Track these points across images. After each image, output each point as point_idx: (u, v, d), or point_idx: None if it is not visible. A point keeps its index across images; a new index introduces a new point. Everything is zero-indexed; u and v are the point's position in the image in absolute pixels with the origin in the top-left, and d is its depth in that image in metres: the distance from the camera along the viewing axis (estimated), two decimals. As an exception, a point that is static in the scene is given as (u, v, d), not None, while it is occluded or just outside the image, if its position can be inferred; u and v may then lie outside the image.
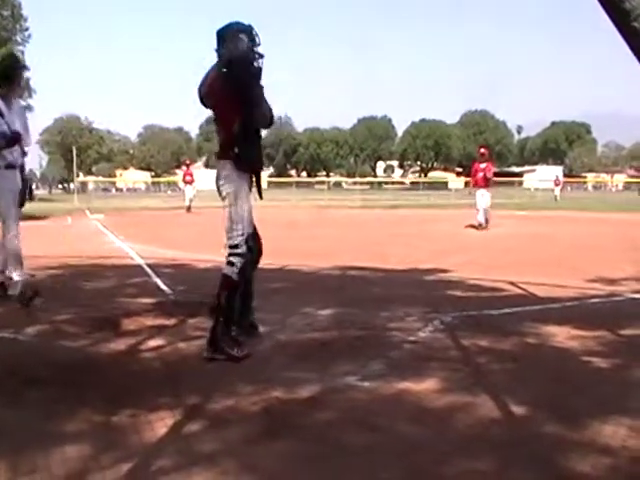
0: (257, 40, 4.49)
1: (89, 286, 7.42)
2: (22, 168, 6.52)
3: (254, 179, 4.65)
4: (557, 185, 45.32)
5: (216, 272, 7.66)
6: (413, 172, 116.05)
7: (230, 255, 4.44)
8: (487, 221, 16.95)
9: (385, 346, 4.62)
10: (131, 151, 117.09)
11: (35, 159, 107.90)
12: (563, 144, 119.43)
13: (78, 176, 60.35)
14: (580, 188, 77.38)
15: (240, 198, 4.48)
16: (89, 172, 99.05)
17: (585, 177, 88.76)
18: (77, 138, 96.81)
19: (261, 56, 4.51)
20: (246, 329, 4.66)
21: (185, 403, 3.44)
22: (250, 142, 4.56)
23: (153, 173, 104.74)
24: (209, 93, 4.57)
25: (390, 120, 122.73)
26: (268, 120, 4.68)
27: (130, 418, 3.21)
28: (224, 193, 4.50)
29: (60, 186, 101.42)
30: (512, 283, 7.37)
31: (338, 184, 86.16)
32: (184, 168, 31.09)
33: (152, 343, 4.72)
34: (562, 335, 4.91)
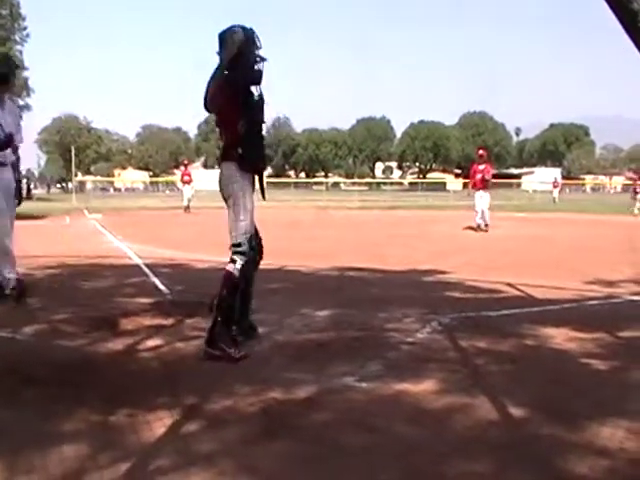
0: (258, 43, 4.52)
1: (87, 286, 7.41)
2: (15, 166, 6.51)
3: (257, 179, 4.68)
4: (555, 187, 45.36)
5: (214, 272, 7.68)
6: (412, 173, 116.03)
7: (233, 253, 4.47)
8: (487, 225, 16.90)
9: (383, 347, 4.62)
10: (129, 151, 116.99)
11: (33, 158, 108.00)
12: (561, 146, 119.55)
13: (76, 176, 60.21)
14: (578, 190, 77.34)
15: (244, 198, 4.50)
16: (87, 172, 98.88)
17: (583, 179, 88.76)
18: (75, 138, 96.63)
19: (263, 59, 4.54)
20: (245, 330, 4.66)
21: (183, 403, 3.44)
22: (254, 142, 4.59)
23: (151, 173, 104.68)
24: (212, 98, 4.57)
25: (389, 121, 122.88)
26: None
27: (128, 418, 3.21)
28: (228, 193, 4.52)
29: (58, 186, 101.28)
30: (510, 285, 7.38)
31: (336, 185, 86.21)
32: (182, 168, 31.06)
33: (150, 343, 4.71)
34: (560, 337, 4.91)
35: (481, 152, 19.22)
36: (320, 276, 8.40)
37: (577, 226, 19.44)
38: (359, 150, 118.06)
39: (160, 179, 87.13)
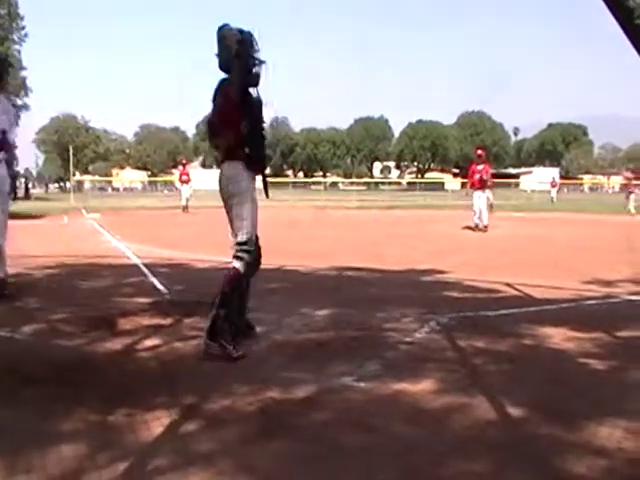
0: (256, 46, 4.54)
1: (85, 285, 7.41)
2: (9, 162, 6.51)
3: (261, 178, 4.74)
4: (554, 187, 45.38)
5: (213, 272, 7.71)
6: (410, 173, 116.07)
7: (238, 251, 4.49)
8: (486, 226, 16.87)
9: (381, 347, 4.62)
10: (127, 150, 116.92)
11: (31, 158, 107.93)
12: (560, 146, 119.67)
13: (74, 175, 60.19)
14: (576, 190, 77.39)
15: (248, 197, 4.55)
16: (85, 171, 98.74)
17: (582, 179, 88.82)
18: (74, 137, 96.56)
19: (261, 62, 4.56)
20: (242, 329, 4.66)
21: (181, 403, 3.44)
22: (258, 142, 4.64)
23: (149, 172, 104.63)
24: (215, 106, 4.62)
25: (387, 121, 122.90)
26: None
27: (126, 417, 3.21)
28: (233, 192, 4.53)
29: (56, 185, 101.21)
30: (508, 284, 7.38)
31: (335, 184, 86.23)
32: (180, 168, 31.00)
33: (148, 343, 4.71)
34: (558, 336, 4.91)
35: (480, 152, 19.20)
36: (318, 276, 8.41)
37: (575, 226, 19.45)
38: (357, 150, 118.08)
39: (158, 179, 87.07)
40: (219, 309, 4.41)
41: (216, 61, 4.62)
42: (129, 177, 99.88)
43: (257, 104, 4.60)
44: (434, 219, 22.54)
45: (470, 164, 19.42)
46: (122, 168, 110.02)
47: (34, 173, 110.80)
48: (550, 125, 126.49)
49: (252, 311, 5.01)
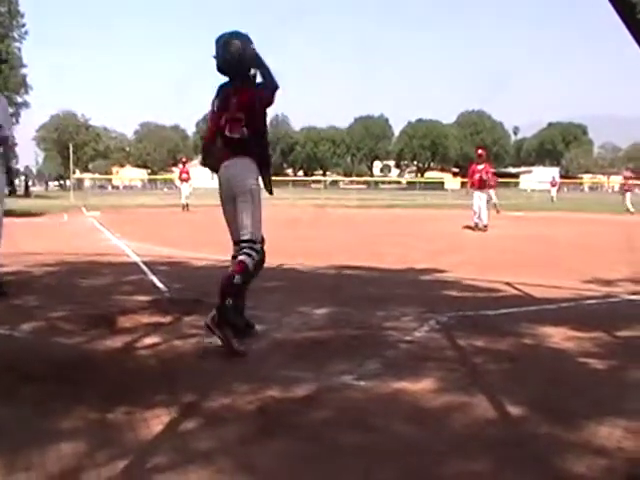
0: (247, 50, 4.67)
1: (85, 283, 7.40)
2: (6, 157, 6.50)
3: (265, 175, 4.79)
4: (553, 186, 45.38)
5: (212, 270, 7.70)
6: (410, 172, 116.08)
7: (248, 248, 4.53)
8: (485, 226, 16.85)
9: (381, 345, 4.62)
10: (127, 148, 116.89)
11: (31, 156, 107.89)
12: (560, 145, 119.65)
13: (74, 173, 60.17)
14: (576, 189, 77.42)
15: (258, 195, 4.63)
16: (85, 169, 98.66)
17: (581, 178, 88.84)
18: (74, 135, 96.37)
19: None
20: (242, 328, 4.66)
21: (181, 401, 3.43)
22: (266, 140, 4.78)
23: (149, 171, 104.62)
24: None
25: (387, 120, 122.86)
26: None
27: (126, 415, 3.21)
28: (244, 188, 4.56)
29: (56, 183, 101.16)
30: (508, 283, 7.38)
31: (335, 183, 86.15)
32: (180, 166, 30.99)
33: (148, 341, 4.71)
34: (558, 336, 4.91)
35: (480, 152, 19.19)
36: (318, 274, 8.41)
37: (575, 225, 19.44)
38: (357, 148, 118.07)
39: (158, 177, 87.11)
40: (226, 299, 4.42)
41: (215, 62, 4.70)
42: (129, 175, 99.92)
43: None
44: (434, 218, 22.55)
45: (470, 163, 19.40)
46: (122, 166, 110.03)
47: (34, 171, 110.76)
48: (550, 124, 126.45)
49: (251, 310, 5.02)
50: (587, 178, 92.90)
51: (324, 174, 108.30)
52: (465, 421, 3.19)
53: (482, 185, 17.57)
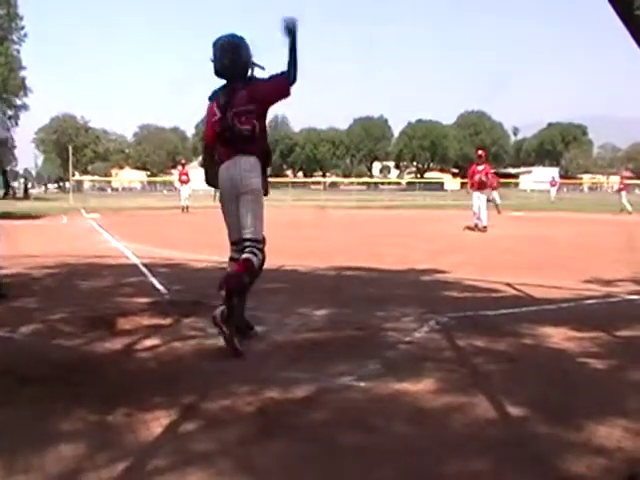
0: (248, 52, 4.69)
1: (85, 285, 7.40)
2: (1, 159, 6.50)
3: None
4: (553, 186, 45.39)
5: (212, 272, 7.70)
6: (409, 173, 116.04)
7: (253, 247, 4.54)
8: (485, 227, 16.83)
9: (381, 346, 4.62)
10: (127, 150, 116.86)
11: (30, 158, 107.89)
12: (559, 145, 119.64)
13: (74, 175, 60.20)
14: (576, 189, 77.36)
15: (261, 194, 4.66)
16: (85, 171, 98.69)
17: (581, 178, 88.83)
18: (73, 137, 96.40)
19: (261, 67, 4.72)
20: (242, 329, 4.66)
21: (180, 403, 3.43)
22: (266, 138, 4.80)
23: (149, 172, 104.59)
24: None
25: (386, 120, 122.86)
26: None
27: (125, 417, 3.20)
28: (249, 187, 4.57)
29: (56, 185, 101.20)
30: (508, 284, 7.38)
31: (334, 184, 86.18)
32: (180, 168, 31.00)
33: (147, 342, 4.71)
34: (558, 336, 4.91)
35: (480, 152, 19.17)
36: (318, 275, 8.41)
37: (575, 225, 19.44)
38: (357, 149, 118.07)
39: (157, 179, 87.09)
40: (236, 298, 4.46)
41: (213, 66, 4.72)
42: (128, 177, 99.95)
43: None
44: (433, 219, 22.55)
45: (470, 164, 19.40)
46: (121, 168, 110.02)
47: (33, 173, 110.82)
48: (550, 125, 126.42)
49: (251, 310, 5.02)
50: (587, 178, 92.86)
51: (324, 175, 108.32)
52: (465, 421, 3.18)
53: (481, 186, 17.56)
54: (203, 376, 3.96)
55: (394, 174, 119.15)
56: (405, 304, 6.18)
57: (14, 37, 42.10)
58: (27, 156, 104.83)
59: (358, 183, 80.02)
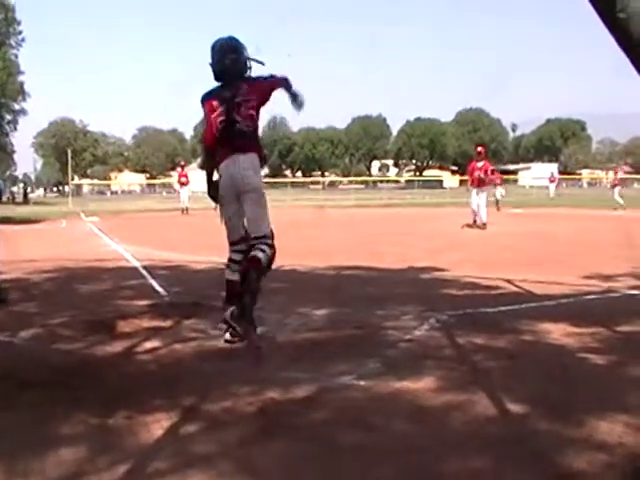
0: (246, 52, 4.71)
1: (84, 289, 7.40)
2: None
3: None
4: (552, 182, 45.34)
5: (211, 274, 7.70)
6: (408, 171, 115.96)
7: (262, 244, 4.56)
8: (484, 224, 16.80)
9: (381, 345, 4.62)
10: (126, 153, 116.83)
11: (29, 162, 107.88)
12: (558, 141, 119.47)
13: (73, 179, 60.20)
14: (575, 185, 77.31)
15: (263, 191, 4.70)
16: (84, 175, 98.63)
17: (580, 174, 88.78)
18: (72, 141, 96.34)
19: (262, 63, 4.78)
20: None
21: (181, 404, 3.43)
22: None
23: (148, 175, 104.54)
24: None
25: (385, 119, 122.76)
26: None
27: (126, 420, 3.21)
28: (254, 185, 4.61)
29: (55, 189, 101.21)
30: (508, 281, 7.37)
31: (333, 184, 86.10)
32: (179, 170, 31.00)
33: (148, 345, 4.71)
34: (558, 332, 4.91)
35: (479, 149, 19.13)
36: (317, 275, 8.41)
37: (574, 221, 19.43)
38: (355, 148, 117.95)
39: (157, 181, 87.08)
40: (249, 298, 4.52)
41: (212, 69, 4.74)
42: (127, 180, 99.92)
43: None
44: (433, 217, 22.53)
45: (470, 161, 19.37)
46: (121, 171, 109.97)
47: (32, 177, 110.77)
48: (548, 120, 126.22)
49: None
50: (586, 174, 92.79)
51: (322, 175, 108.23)
52: (465, 419, 3.19)
53: (481, 183, 17.54)
54: (203, 377, 3.97)
55: (393, 172, 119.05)
56: (405, 302, 6.18)
57: (12, 42, 42.04)
58: (26, 161, 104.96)
59: (357, 182, 80.00)
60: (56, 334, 5.07)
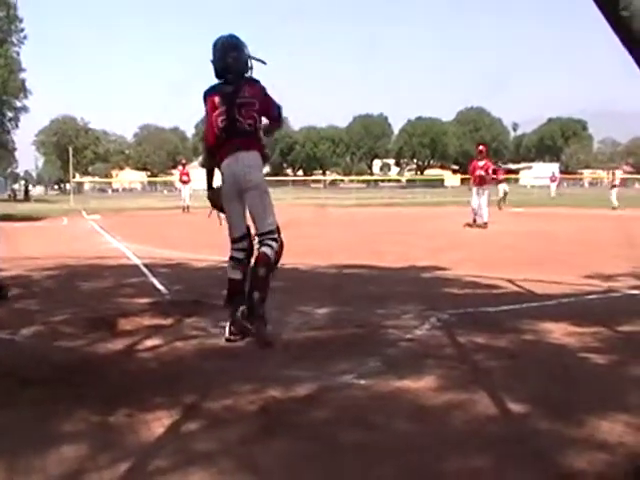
0: (247, 51, 4.76)
1: (86, 286, 7.40)
2: None
3: None
4: (553, 181, 45.34)
5: (212, 272, 7.71)
6: (409, 170, 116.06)
7: (268, 239, 4.63)
8: (486, 224, 16.79)
9: (382, 344, 4.62)
10: (127, 151, 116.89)
11: (31, 160, 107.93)
12: (559, 140, 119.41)
13: (74, 177, 60.21)
14: (576, 184, 77.25)
15: (266, 187, 4.76)
16: (85, 173, 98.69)
17: (581, 174, 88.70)
18: (73, 139, 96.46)
19: (263, 62, 4.83)
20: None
21: (182, 402, 3.43)
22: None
23: (149, 173, 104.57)
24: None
25: (386, 118, 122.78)
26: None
27: (127, 418, 3.21)
28: (256, 182, 4.66)
29: (56, 187, 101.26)
30: (509, 280, 7.37)
31: (334, 182, 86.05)
32: (180, 168, 30.98)
33: (149, 343, 4.71)
34: (559, 332, 4.91)
35: (481, 148, 19.12)
36: (318, 274, 8.41)
37: (575, 221, 19.43)
38: (357, 147, 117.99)
39: (158, 179, 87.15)
40: (260, 294, 4.59)
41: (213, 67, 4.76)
42: (129, 178, 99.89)
43: None
44: (433, 216, 22.53)
45: (471, 160, 19.37)
46: (122, 169, 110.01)
47: (34, 175, 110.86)
48: (550, 120, 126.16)
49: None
50: (587, 173, 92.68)
51: (324, 173, 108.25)
52: (466, 418, 3.19)
53: (482, 182, 17.54)
54: (204, 376, 3.97)
55: (394, 171, 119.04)
56: (406, 301, 6.18)
57: (14, 39, 42.15)
58: (27, 158, 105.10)
59: (358, 181, 79.92)
60: (57, 331, 5.07)
